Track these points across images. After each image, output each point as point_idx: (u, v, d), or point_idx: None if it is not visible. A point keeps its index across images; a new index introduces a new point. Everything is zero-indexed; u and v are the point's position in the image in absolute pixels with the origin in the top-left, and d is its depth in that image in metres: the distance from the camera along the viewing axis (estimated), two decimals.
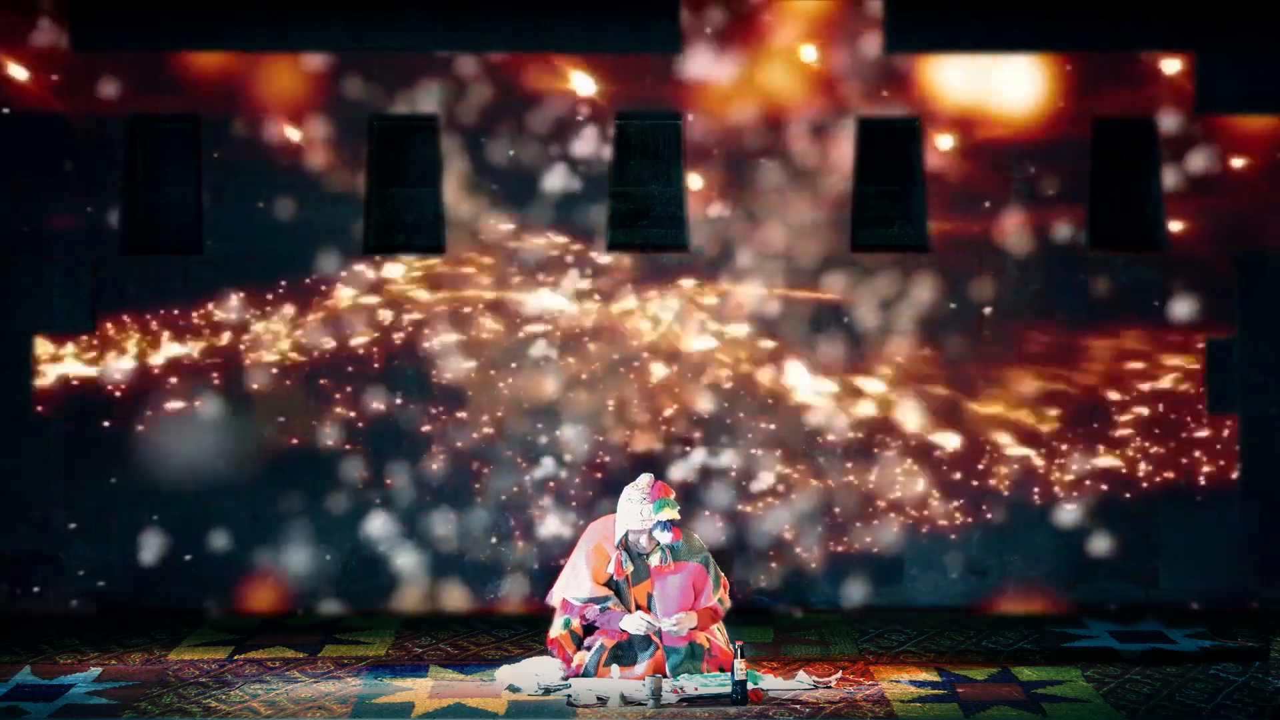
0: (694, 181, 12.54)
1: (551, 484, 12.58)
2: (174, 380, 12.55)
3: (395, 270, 12.54)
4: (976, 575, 12.55)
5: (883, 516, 12.57)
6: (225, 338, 12.55)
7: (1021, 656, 11.24)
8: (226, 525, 12.53)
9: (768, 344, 12.59)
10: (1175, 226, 12.63)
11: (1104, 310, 12.65)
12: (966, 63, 12.55)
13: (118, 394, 12.54)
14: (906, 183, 12.69)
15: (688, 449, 12.53)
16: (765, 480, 12.58)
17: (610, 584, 10.48)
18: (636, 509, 10.40)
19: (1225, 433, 12.64)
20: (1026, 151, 12.58)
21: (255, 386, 12.54)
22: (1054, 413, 12.66)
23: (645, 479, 10.48)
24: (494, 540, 12.58)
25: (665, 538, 10.39)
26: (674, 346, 12.55)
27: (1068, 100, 12.56)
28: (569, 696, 10.07)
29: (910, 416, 12.60)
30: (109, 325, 12.55)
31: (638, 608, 10.43)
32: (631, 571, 10.46)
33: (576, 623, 10.48)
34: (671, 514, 10.40)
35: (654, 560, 10.45)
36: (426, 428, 12.56)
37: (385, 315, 12.53)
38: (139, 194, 12.61)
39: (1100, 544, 12.62)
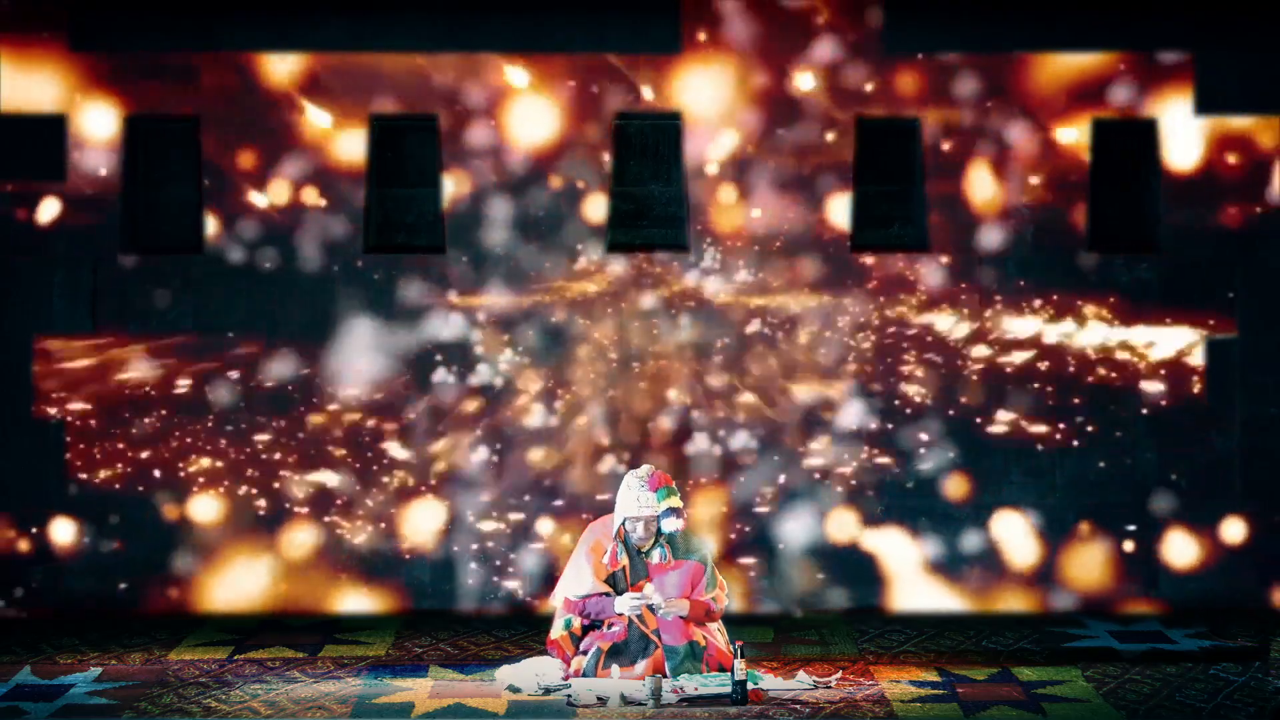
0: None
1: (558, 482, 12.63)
2: (174, 379, 12.56)
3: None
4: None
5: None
6: (220, 336, 12.58)
7: (1021, 656, 11.24)
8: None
9: None
10: (1175, 226, 12.63)
11: (1103, 310, 12.65)
12: (965, 62, 12.56)
13: (118, 394, 12.54)
14: (906, 183, 12.69)
15: None
16: None
17: (609, 580, 10.48)
18: (634, 495, 10.39)
19: (1225, 433, 12.64)
20: (1026, 150, 12.61)
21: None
22: (1053, 412, 12.69)
23: (645, 468, 10.48)
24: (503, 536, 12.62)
25: (673, 525, 10.37)
26: None
27: (1066, 99, 12.58)
28: (569, 697, 10.07)
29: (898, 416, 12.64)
30: (109, 325, 12.55)
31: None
32: (629, 567, 10.45)
33: (577, 623, 10.48)
34: (675, 502, 10.40)
35: (654, 558, 10.45)
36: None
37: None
38: (139, 194, 12.61)
39: (1100, 543, 12.63)
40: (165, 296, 12.53)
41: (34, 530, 12.53)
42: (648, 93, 12.54)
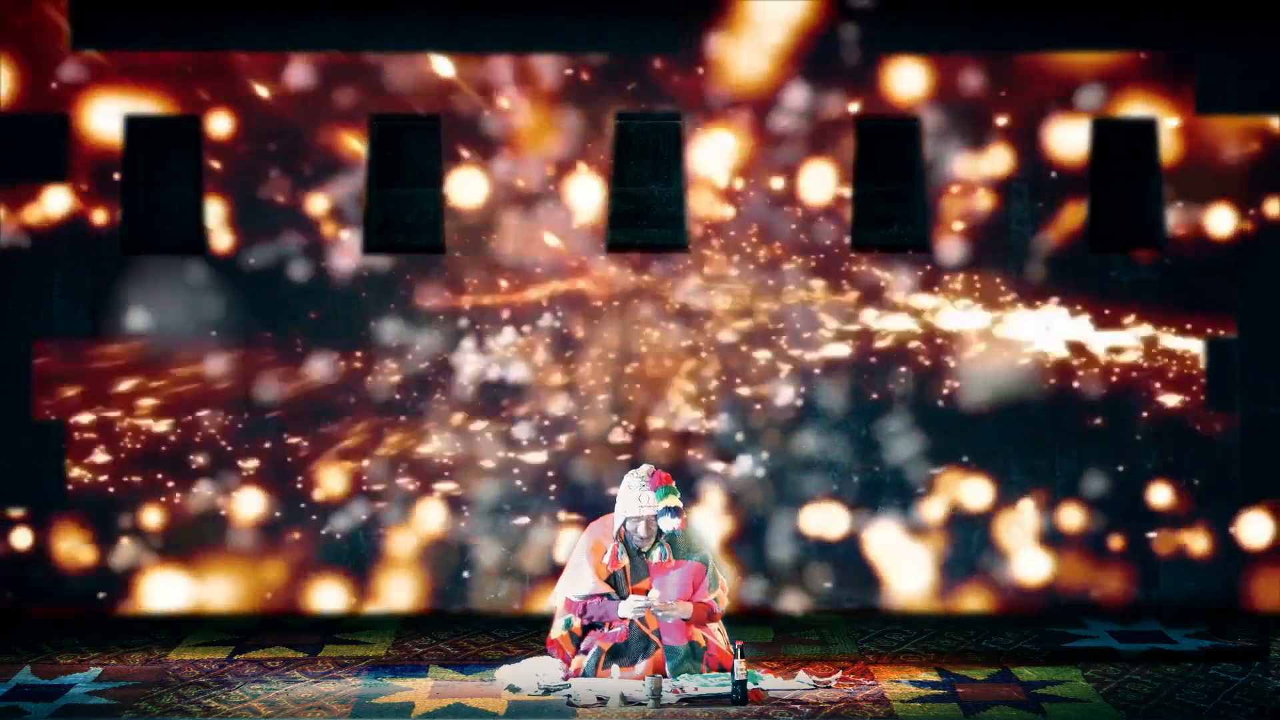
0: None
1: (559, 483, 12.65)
2: (177, 380, 12.58)
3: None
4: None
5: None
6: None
7: (1021, 656, 11.24)
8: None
9: None
10: (1175, 226, 12.63)
11: (1103, 310, 12.65)
12: (965, 63, 12.57)
13: (118, 394, 12.55)
14: (906, 183, 12.69)
15: None
16: None
17: (609, 579, 10.48)
18: (635, 495, 10.40)
19: (1225, 433, 12.65)
20: (1027, 151, 12.62)
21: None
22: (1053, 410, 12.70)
23: (645, 467, 10.49)
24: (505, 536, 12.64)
25: (671, 524, 10.38)
26: None
27: (1066, 99, 12.59)
28: (569, 697, 10.07)
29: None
30: (109, 326, 12.55)
31: None
32: (630, 567, 10.46)
33: (577, 623, 10.48)
34: (675, 501, 10.40)
35: (654, 557, 10.45)
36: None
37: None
38: (139, 194, 12.62)
39: (1100, 543, 12.63)
40: (165, 295, 12.58)
41: (34, 530, 12.53)
42: (647, 92, 12.56)
